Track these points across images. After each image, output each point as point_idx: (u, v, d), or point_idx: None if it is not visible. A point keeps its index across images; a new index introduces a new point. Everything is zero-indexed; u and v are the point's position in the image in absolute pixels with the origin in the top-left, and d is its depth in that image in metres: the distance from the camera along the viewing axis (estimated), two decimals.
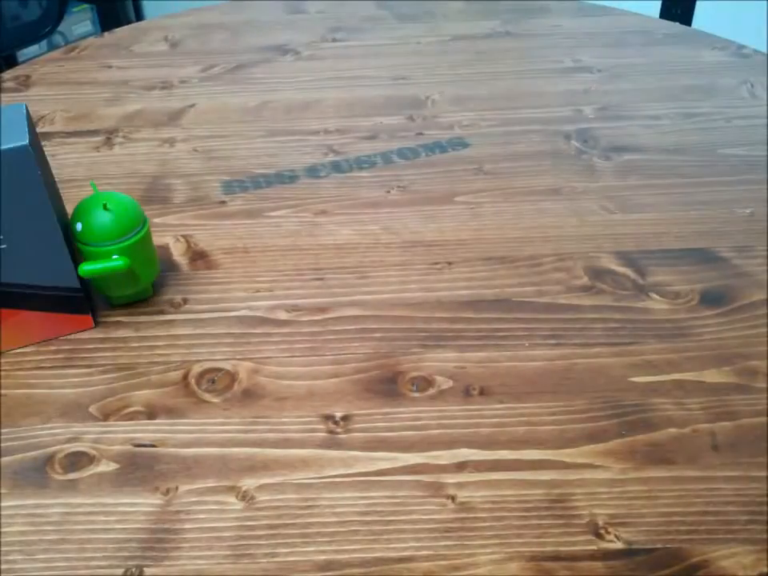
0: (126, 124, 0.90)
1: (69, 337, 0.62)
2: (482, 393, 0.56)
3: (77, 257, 0.61)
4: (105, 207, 0.60)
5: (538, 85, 0.94)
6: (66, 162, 0.83)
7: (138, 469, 0.52)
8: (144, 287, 0.64)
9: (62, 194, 0.69)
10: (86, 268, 0.59)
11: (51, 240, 0.58)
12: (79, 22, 2.72)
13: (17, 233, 0.56)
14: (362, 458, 0.53)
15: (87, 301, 0.62)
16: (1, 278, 0.58)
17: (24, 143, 0.53)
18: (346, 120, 0.89)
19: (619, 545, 0.47)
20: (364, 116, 0.89)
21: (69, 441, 0.54)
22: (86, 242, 0.60)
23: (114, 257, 0.60)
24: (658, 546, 0.47)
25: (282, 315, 0.63)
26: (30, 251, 0.57)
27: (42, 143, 0.86)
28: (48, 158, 0.83)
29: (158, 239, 0.71)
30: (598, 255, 0.68)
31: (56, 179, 0.79)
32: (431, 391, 0.57)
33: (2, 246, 0.56)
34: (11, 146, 0.53)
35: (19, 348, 0.61)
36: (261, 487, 0.51)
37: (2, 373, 0.59)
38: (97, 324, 0.63)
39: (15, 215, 0.56)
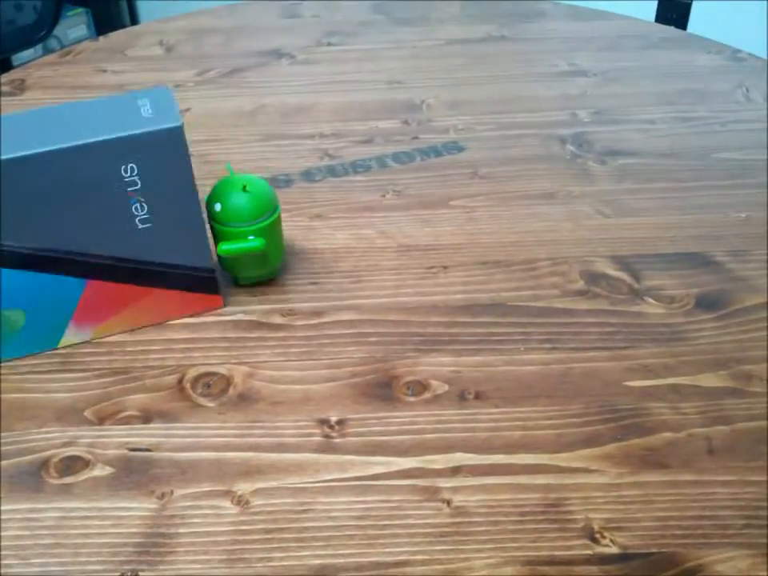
0: None
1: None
2: (477, 397, 0.56)
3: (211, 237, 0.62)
4: (244, 189, 0.62)
5: (534, 89, 0.94)
6: None
7: (133, 473, 0.52)
8: (272, 269, 0.66)
9: None
10: (225, 247, 0.61)
11: (194, 221, 0.59)
12: (74, 26, 2.72)
13: (163, 212, 0.58)
14: (358, 462, 0.53)
15: (218, 281, 0.63)
16: (140, 256, 0.59)
17: (177, 124, 0.55)
18: (342, 124, 0.89)
19: (615, 549, 0.47)
20: (359, 120, 0.89)
21: (64, 445, 0.54)
22: (224, 222, 0.62)
23: (250, 237, 0.62)
24: (654, 550, 0.47)
25: (277, 319, 0.63)
26: (172, 231, 0.59)
27: None
28: None
29: None
30: (593, 259, 0.68)
31: None
32: (426, 395, 0.57)
33: (147, 225, 0.58)
34: (164, 126, 0.54)
35: (150, 325, 0.63)
36: (256, 491, 0.51)
37: None
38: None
39: (163, 195, 0.57)
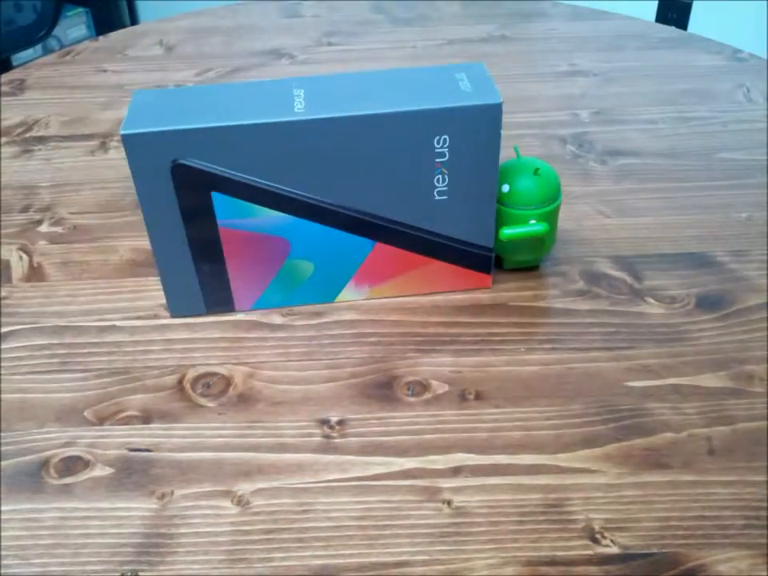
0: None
1: (63, 340, 0.62)
2: (477, 397, 0.56)
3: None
4: (536, 172, 0.62)
5: (534, 89, 0.94)
6: (62, 166, 0.83)
7: (134, 473, 0.52)
8: (541, 255, 0.66)
9: (59, 198, 0.69)
10: (507, 232, 0.62)
11: (487, 199, 0.61)
12: (74, 25, 2.72)
13: (461, 186, 0.59)
14: (358, 462, 0.52)
15: (492, 261, 0.64)
16: (430, 226, 0.61)
17: (498, 101, 0.56)
18: None
19: (615, 549, 0.47)
20: None
21: (64, 445, 0.54)
22: (510, 203, 0.62)
23: (532, 221, 0.62)
24: (654, 550, 0.47)
25: (278, 319, 0.63)
26: (464, 206, 0.60)
27: (37, 147, 0.86)
28: (43, 163, 0.83)
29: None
30: (593, 259, 0.68)
31: (51, 183, 0.79)
32: (427, 396, 0.57)
33: (443, 198, 0.59)
34: (485, 102, 0.56)
35: (418, 295, 0.65)
36: (256, 492, 0.51)
37: None
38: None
39: (466, 170, 0.58)
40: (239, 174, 0.56)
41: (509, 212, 0.62)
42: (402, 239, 0.61)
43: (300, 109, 0.55)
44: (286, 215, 0.59)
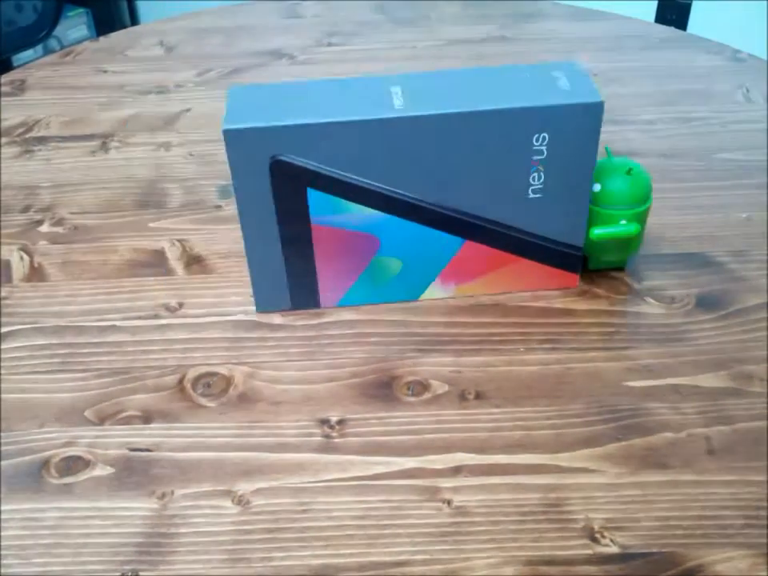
0: (122, 128, 0.90)
1: (64, 340, 0.62)
2: (477, 397, 0.56)
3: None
4: (629, 172, 0.62)
5: None
6: (62, 166, 0.83)
7: (134, 473, 0.52)
8: (627, 256, 0.66)
9: (59, 198, 0.69)
10: (598, 231, 0.61)
11: (581, 199, 0.60)
12: (74, 26, 2.72)
13: (556, 185, 0.59)
14: (358, 462, 0.53)
15: (581, 260, 0.64)
16: (521, 224, 0.61)
17: (598, 100, 0.56)
18: None
19: (615, 549, 0.47)
20: None
21: (64, 445, 0.54)
22: (601, 203, 0.62)
23: (622, 222, 0.62)
24: (654, 550, 0.47)
25: (278, 319, 0.63)
26: (557, 205, 0.60)
27: (38, 148, 0.86)
28: (43, 163, 0.83)
29: (153, 243, 0.71)
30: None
31: (52, 184, 0.79)
32: (427, 395, 0.57)
33: (537, 196, 0.60)
34: (586, 101, 0.56)
35: (505, 293, 0.65)
36: (256, 491, 0.51)
37: None
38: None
39: (562, 168, 0.59)
40: (336, 171, 0.57)
41: (600, 211, 0.62)
42: (492, 237, 0.61)
43: (400, 106, 0.55)
44: (378, 212, 0.59)
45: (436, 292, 0.64)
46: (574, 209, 0.61)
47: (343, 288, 0.63)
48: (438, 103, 0.55)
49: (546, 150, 0.57)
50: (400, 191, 0.58)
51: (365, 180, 0.58)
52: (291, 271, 0.62)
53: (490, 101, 0.56)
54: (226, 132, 0.55)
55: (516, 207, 0.60)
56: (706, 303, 0.63)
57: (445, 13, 1.15)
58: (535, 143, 0.57)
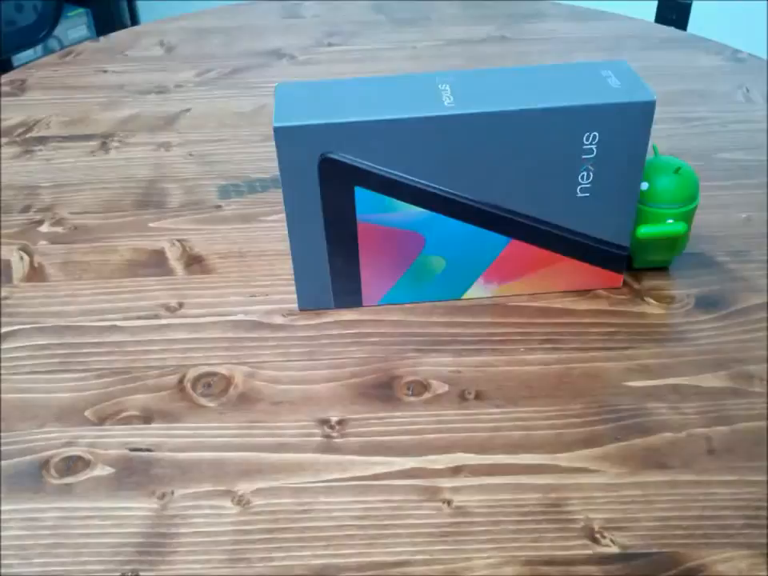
0: (122, 128, 0.90)
1: (64, 340, 0.62)
2: (477, 397, 0.57)
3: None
4: (677, 171, 0.62)
5: None
6: (62, 166, 0.83)
7: (134, 473, 0.52)
8: (673, 256, 0.66)
9: (59, 198, 0.69)
10: (644, 230, 0.61)
11: (629, 198, 0.60)
12: (74, 26, 2.72)
13: (605, 184, 0.59)
14: (358, 462, 0.53)
15: (626, 259, 0.64)
16: (568, 223, 0.61)
17: (652, 98, 0.56)
18: None
19: (615, 549, 0.47)
20: None
21: (64, 445, 0.54)
22: (648, 202, 0.62)
23: (669, 221, 0.62)
24: (654, 550, 0.47)
25: (278, 319, 0.63)
26: (605, 204, 0.60)
27: (38, 148, 0.86)
28: (43, 163, 0.83)
29: (153, 244, 0.71)
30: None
31: (52, 184, 0.79)
32: (427, 395, 0.57)
33: (585, 195, 0.60)
34: (639, 99, 0.56)
35: (548, 293, 0.65)
36: (257, 491, 0.51)
37: None
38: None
39: (612, 167, 0.59)
40: (384, 169, 0.57)
41: (647, 210, 0.62)
42: (538, 237, 0.61)
43: (450, 103, 0.55)
44: (425, 210, 0.59)
45: (478, 291, 0.64)
46: (622, 208, 0.61)
47: (386, 286, 0.63)
48: (489, 101, 0.56)
49: (596, 149, 0.57)
50: (448, 189, 0.58)
51: (413, 178, 0.58)
52: (335, 269, 0.62)
53: (541, 99, 0.56)
54: (277, 129, 0.55)
55: (563, 206, 0.60)
56: (706, 303, 0.63)
57: (445, 13, 1.15)
58: (585, 142, 0.57)
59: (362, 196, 0.58)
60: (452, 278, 0.63)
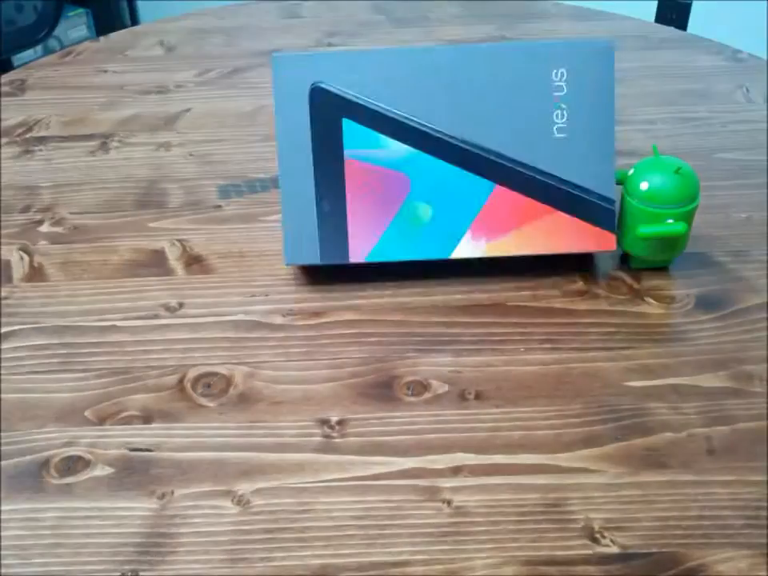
0: (122, 128, 0.90)
1: (64, 340, 0.62)
2: (477, 397, 0.57)
3: (623, 213, 0.65)
4: (677, 171, 0.62)
5: None
6: (62, 166, 0.83)
7: (134, 473, 0.52)
8: (673, 256, 0.66)
9: (59, 198, 0.69)
10: (644, 230, 0.62)
11: (606, 144, 0.63)
12: (74, 26, 2.72)
13: (579, 126, 0.62)
14: (358, 462, 0.53)
15: (615, 215, 0.64)
16: (549, 167, 0.63)
17: (610, 46, 0.62)
18: None
19: (615, 549, 0.47)
20: None
21: (64, 445, 0.54)
22: (648, 202, 0.62)
23: (669, 221, 0.62)
24: (654, 550, 0.47)
25: (278, 319, 0.63)
26: (583, 148, 0.63)
27: (38, 148, 0.86)
28: (43, 163, 0.83)
29: (153, 244, 0.71)
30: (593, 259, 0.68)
31: (52, 184, 0.79)
32: (427, 395, 0.57)
33: (562, 135, 0.62)
34: (598, 44, 0.62)
35: (540, 255, 0.65)
36: (256, 491, 0.51)
37: None
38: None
39: (584, 108, 0.62)
40: (370, 101, 0.61)
41: (647, 210, 0.62)
42: (522, 181, 0.63)
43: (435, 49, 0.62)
44: (409, 149, 0.62)
45: (467, 249, 0.64)
46: (600, 152, 0.62)
47: (374, 238, 0.63)
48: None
49: (566, 86, 0.61)
50: (431, 125, 0.62)
51: (398, 111, 0.62)
52: (322, 216, 0.63)
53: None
54: (275, 58, 0.59)
55: (543, 147, 0.62)
56: (705, 303, 0.63)
57: (444, 13, 1.15)
58: (555, 78, 0.61)
59: (350, 129, 0.62)
60: (440, 230, 0.63)
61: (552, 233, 0.63)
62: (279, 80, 0.60)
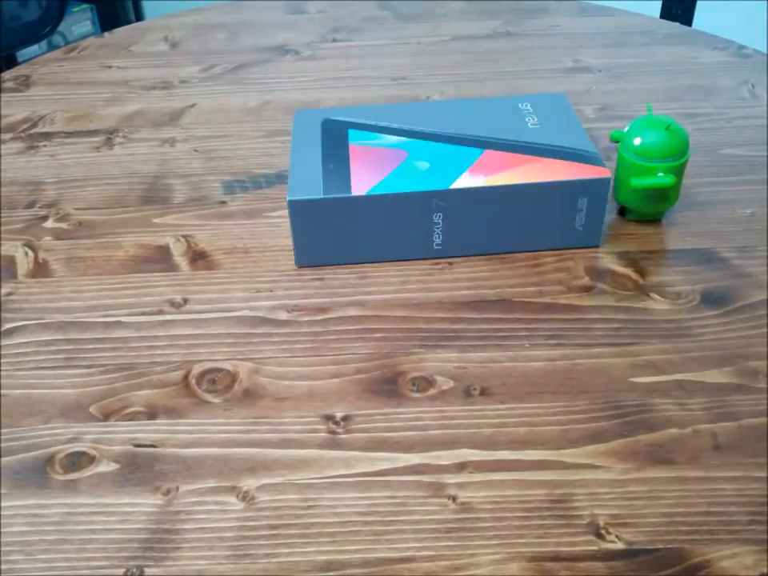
0: (126, 124, 0.90)
1: (68, 336, 0.62)
2: (482, 393, 0.56)
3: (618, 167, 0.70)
4: (667, 128, 0.67)
5: (538, 85, 0.94)
6: (67, 162, 0.83)
7: (139, 469, 0.52)
8: (664, 209, 0.71)
9: (64, 194, 0.69)
10: (636, 182, 0.66)
11: (573, 128, 0.71)
12: (79, 22, 2.72)
13: (549, 126, 0.72)
14: (363, 458, 0.53)
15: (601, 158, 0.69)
16: (531, 143, 0.70)
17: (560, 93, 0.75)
18: None
19: (620, 545, 0.47)
20: None
21: (69, 441, 0.54)
22: (640, 156, 0.67)
23: (660, 174, 0.67)
24: (659, 546, 0.47)
25: (283, 315, 0.63)
26: (556, 134, 0.71)
27: (42, 143, 0.86)
28: (48, 158, 0.83)
29: (157, 239, 0.71)
30: (598, 255, 0.68)
31: (56, 179, 0.79)
32: (432, 391, 0.57)
33: (536, 127, 0.72)
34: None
35: (538, 185, 0.66)
36: (261, 487, 0.51)
37: (3, 373, 0.59)
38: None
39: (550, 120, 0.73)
40: (373, 122, 0.74)
41: (639, 164, 0.67)
42: (509, 146, 0.70)
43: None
44: (407, 139, 0.71)
45: (466, 182, 0.66)
46: (570, 133, 0.70)
47: (375, 180, 0.66)
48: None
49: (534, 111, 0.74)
50: (422, 128, 0.73)
51: (396, 125, 0.73)
52: (327, 171, 0.68)
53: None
54: (297, 112, 0.76)
55: (521, 135, 0.71)
56: (710, 299, 0.63)
57: (449, 8, 1.15)
58: (521, 107, 0.75)
59: (354, 132, 0.72)
60: (438, 172, 0.67)
61: (548, 169, 0.67)
62: (298, 123, 0.74)
